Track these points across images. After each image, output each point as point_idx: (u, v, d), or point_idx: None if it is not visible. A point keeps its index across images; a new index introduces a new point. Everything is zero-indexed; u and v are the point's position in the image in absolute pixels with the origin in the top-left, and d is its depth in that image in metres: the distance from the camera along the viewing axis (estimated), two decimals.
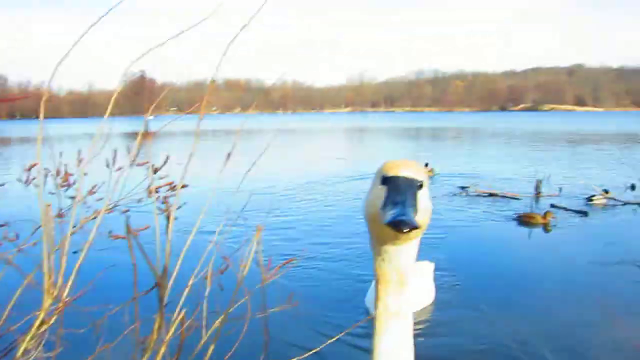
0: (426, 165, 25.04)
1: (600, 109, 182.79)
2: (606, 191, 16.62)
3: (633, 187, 18.68)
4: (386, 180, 1.87)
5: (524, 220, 13.70)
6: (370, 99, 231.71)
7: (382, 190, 1.87)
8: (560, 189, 17.95)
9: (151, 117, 4.38)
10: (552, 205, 15.77)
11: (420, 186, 1.86)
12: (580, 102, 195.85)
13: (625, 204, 16.10)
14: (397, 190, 1.81)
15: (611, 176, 21.83)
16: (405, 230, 1.64)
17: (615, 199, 16.27)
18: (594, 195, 16.46)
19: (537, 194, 17.47)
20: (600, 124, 76.77)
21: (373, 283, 7.58)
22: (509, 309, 7.73)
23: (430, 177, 23.00)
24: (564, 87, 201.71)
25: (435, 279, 8.31)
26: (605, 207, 15.74)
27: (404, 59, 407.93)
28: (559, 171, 23.40)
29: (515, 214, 14.32)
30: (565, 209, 15.25)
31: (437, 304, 7.81)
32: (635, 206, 15.81)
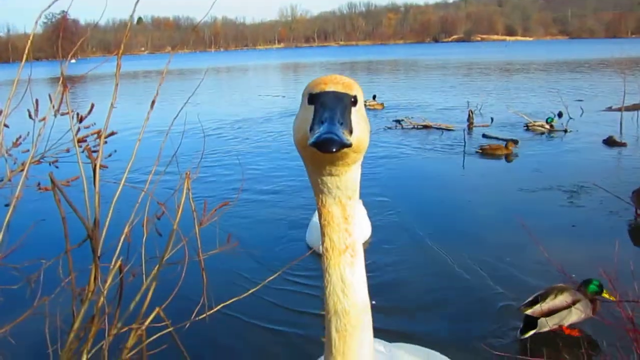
0: (374, 97, 25.12)
1: (530, 39, 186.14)
2: (551, 120, 17.18)
3: (560, 115, 19.35)
4: (313, 99, 1.68)
5: (488, 152, 13.93)
6: (304, 34, 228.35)
7: (309, 111, 1.68)
8: (492, 119, 18.41)
9: (73, 61, 4.20)
10: (484, 135, 16.24)
11: (355, 102, 1.68)
12: (510, 31, 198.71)
13: (552, 131, 16.72)
14: (324, 107, 1.62)
15: (539, 104, 22.51)
16: (333, 150, 1.45)
17: (547, 127, 16.87)
18: (528, 123, 17.07)
19: (470, 125, 17.88)
20: (530, 53, 78.40)
21: (313, 218, 7.71)
22: (444, 237, 8.01)
23: (380, 111, 23.16)
24: (494, 17, 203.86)
25: (370, 214, 8.42)
26: (536, 135, 16.28)
27: None
28: (490, 101, 23.97)
29: (480, 146, 14.48)
30: (496, 138, 15.71)
31: (374, 237, 8.00)
32: (562, 133, 16.42)
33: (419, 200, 10.26)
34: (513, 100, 24.55)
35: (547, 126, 16.86)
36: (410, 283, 6.72)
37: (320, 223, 1.83)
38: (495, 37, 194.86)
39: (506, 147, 13.84)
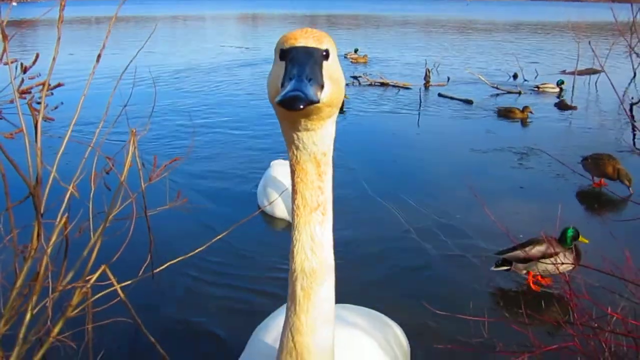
0: (356, 51, 24.82)
1: None
2: (561, 82, 17.25)
3: (515, 77, 19.60)
4: (284, 54, 1.66)
5: (503, 114, 13.78)
6: None
7: (280, 67, 1.66)
8: (448, 78, 18.55)
9: (14, 4, 4.01)
10: (440, 94, 16.35)
11: (326, 56, 1.66)
12: None
13: (507, 92, 16.95)
14: (293, 63, 1.59)
15: (496, 65, 22.73)
16: (300, 107, 1.43)
17: (557, 90, 17.11)
18: (539, 85, 17.39)
19: (427, 83, 17.96)
20: (489, 13, 78.66)
21: (265, 175, 7.66)
22: (395, 195, 8.11)
23: (364, 64, 22.96)
24: None
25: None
26: (491, 96, 16.47)
27: None
28: (448, 60, 24.08)
29: (496, 107, 14.38)
30: (451, 97, 15.85)
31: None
32: (516, 95, 16.66)
33: (372, 158, 10.32)
34: (470, 60, 24.70)
35: (557, 89, 17.04)
36: (357, 240, 6.81)
37: (292, 180, 1.83)
38: None
39: (522, 111, 13.53)
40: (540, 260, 5.51)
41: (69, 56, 21.94)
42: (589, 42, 10.54)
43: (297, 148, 1.76)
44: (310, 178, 1.80)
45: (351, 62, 23.72)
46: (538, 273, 5.71)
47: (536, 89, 17.31)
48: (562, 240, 5.66)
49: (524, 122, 13.22)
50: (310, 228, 1.83)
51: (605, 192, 8.40)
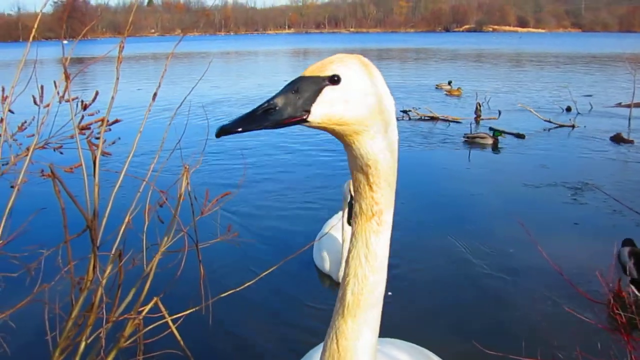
0: (449, 83, 25.04)
1: (542, 30, 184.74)
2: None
3: (569, 109, 19.25)
4: None
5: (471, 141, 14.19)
6: (314, 20, 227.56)
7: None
8: (500, 112, 18.36)
9: (65, 42, 4.20)
10: (491, 129, 16.16)
11: (335, 82, 1.80)
12: (522, 23, 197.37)
13: (560, 126, 16.64)
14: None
15: (548, 98, 22.40)
16: (216, 135, 1.72)
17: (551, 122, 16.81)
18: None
19: (477, 117, 17.82)
20: (541, 45, 77.87)
21: (323, 228, 7.48)
22: (447, 229, 8.03)
23: (458, 97, 23.10)
24: (506, 8, 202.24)
25: None
26: (544, 130, 16.21)
27: None
28: (499, 93, 23.87)
29: (464, 134, 14.77)
30: (503, 132, 15.65)
31: None
32: (569, 129, 16.34)
33: (423, 191, 10.26)
34: (522, 93, 24.42)
35: (491, 140, 14.75)
36: (406, 273, 6.75)
37: (353, 189, 1.96)
38: (507, 28, 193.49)
39: (492, 136, 14.08)
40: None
41: (127, 91, 22.74)
42: None
43: (349, 159, 1.91)
44: (363, 188, 1.90)
45: (446, 94, 23.94)
46: None
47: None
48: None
49: (494, 148, 13.68)
50: (365, 236, 1.92)
51: None
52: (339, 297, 1.96)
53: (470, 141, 14.30)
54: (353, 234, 1.95)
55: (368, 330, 1.95)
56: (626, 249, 6.41)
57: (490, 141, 14.06)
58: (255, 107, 1.79)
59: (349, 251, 1.97)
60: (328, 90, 1.80)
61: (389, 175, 1.91)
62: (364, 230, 1.92)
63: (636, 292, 6.10)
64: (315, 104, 1.78)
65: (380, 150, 1.87)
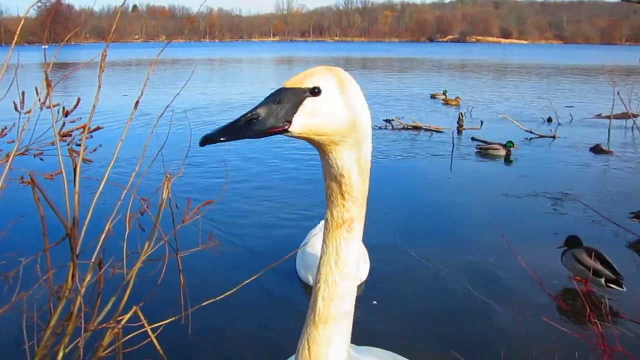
0: (444, 92, 25.28)
1: (525, 42, 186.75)
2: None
3: (550, 120, 19.48)
4: None
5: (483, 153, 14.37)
6: (299, 28, 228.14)
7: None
8: (482, 122, 18.49)
9: (45, 47, 4.18)
10: (473, 139, 16.32)
11: (315, 93, 1.84)
12: (505, 34, 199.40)
13: (541, 137, 16.83)
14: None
15: (530, 109, 22.64)
16: (200, 143, 1.75)
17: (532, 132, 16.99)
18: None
19: (460, 127, 17.95)
20: (524, 56, 78.73)
21: (306, 238, 7.42)
22: (428, 238, 8.09)
23: (456, 107, 23.21)
24: (490, 19, 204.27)
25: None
26: (525, 140, 16.36)
27: None
28: (481, 103, 24.09)
29: (477, 146, 14.86)
30: (485, 142, 15.79)
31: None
32: (550, 139, 16.53)
33: (405, 201, 10.31)
34: (504, 103, 24.67)
35: (503, 150, 14.70)
36: (387, 283, 6.78)
37: (325, 197, 2.00)
38: (491, 39, 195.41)
39: (505, 147, 14.13)
40: None
41: (113, 97, 22.64)
42: (625, 86, 10.46)
43: (324, 167, 1.96)
44: (335, 196, 1.95)
45: (442, 103, 24.13)
46: None
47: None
48: None
49: (507, 159, 13.76)
50: (336, 243, 1.97)
51: None
52: (311, 304, 2.00)
53: (483, 152, 14.31)
54: (324, 241, 1.99)
55: (339, 337, 1.98)
56: (581, 252, 6.63)
57: (502, 152, 14.11)
58: (238, 116, 1.82)
59: (320, 258, 2.01)
60: (309, 102, 1.84)
61: (362, 184, 1.96)
62: (334, 237, 1.96)
63: (619, 288, 6.30)
64: (297, 114, 1.82)
65: (355, 160, 1.93)
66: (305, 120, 1.83)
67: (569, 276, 6.86)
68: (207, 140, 1.76)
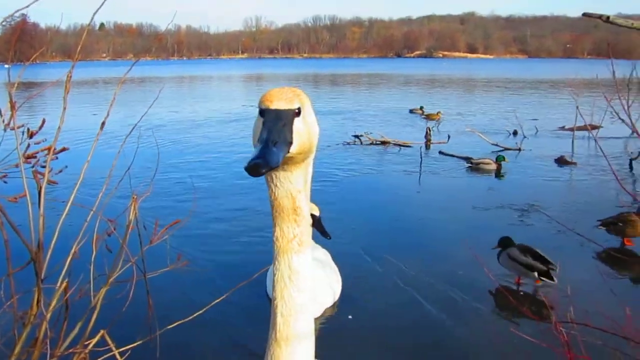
0: (421, 108, 25.48)
1: (490, 56, 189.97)
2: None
3: (515, 133, 19.82)
4: (262, 113, 1.92)
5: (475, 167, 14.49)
6: (268, 45, 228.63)
7: (260, 121, 1.92)
8: (449, 137, 18.70)
9: (8, 66, 4.13)
10: (440, 152, 16.51)
11: (298, 113, 1.91)
12: (471, 49, 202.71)
13: (507, 149, 17.09)
14: (264, 127, 1.85)
15: (496, 122, 23.00)
16: (262, 173, 1.66)
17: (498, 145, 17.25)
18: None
19: (427, 142, 18.14)
20: (490, 71, 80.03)
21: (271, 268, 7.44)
22: (397, 252, 8.11)
23: (436, 121, 23.28)
24: (456, 35, 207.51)
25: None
26: (491, 153, 16.59)
27: (300, 5, 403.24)
28: (448, 117, 24.41)
29: (470, 160, 14.93)
30: (452, 155, 15.99)
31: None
32: (516, 152, 16.80)
33: (374, 216, 10.37)
34: (470, 117, 25.03)
35: (494, 165, 14.79)
36: (355, 299, 6.79)
37: (272, 215, 2.04)
38: (457, 54, 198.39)
39: (496, 162, 14.28)
40: None
41: (80, 117, 22.38)
42: (587, 98, 10.71)
43: (276, 186, 1.98)
44: (287, 212, 1.99)
45: (423, 117, 24.33)
46: None
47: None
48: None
49: (497, 174, 13.89)
50: (288, 257, 2.00)
51: (604, 248, 8.38)
52: (271, 322, 2.02)
53: (475, 167, 14.40)
54: (275, 258, 2.03)
55: (303, 352, 2.00)
56: (514, 250, 7.05)
57: (493, 167, 14.24)
58: (263, 144, 1.79)
59: (274, 276, 2.03)
60: (297, 122, 1.91)
61: (309, 197, 2.05)
62: (285, 252, 2.00)
63: (550, 281, 6.78)
64: (292, 134, 1.88)
65: (309, 174, 2.04)
66: (297, 139, 1.89)
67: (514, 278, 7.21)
68: (259, 167, 1.68)
